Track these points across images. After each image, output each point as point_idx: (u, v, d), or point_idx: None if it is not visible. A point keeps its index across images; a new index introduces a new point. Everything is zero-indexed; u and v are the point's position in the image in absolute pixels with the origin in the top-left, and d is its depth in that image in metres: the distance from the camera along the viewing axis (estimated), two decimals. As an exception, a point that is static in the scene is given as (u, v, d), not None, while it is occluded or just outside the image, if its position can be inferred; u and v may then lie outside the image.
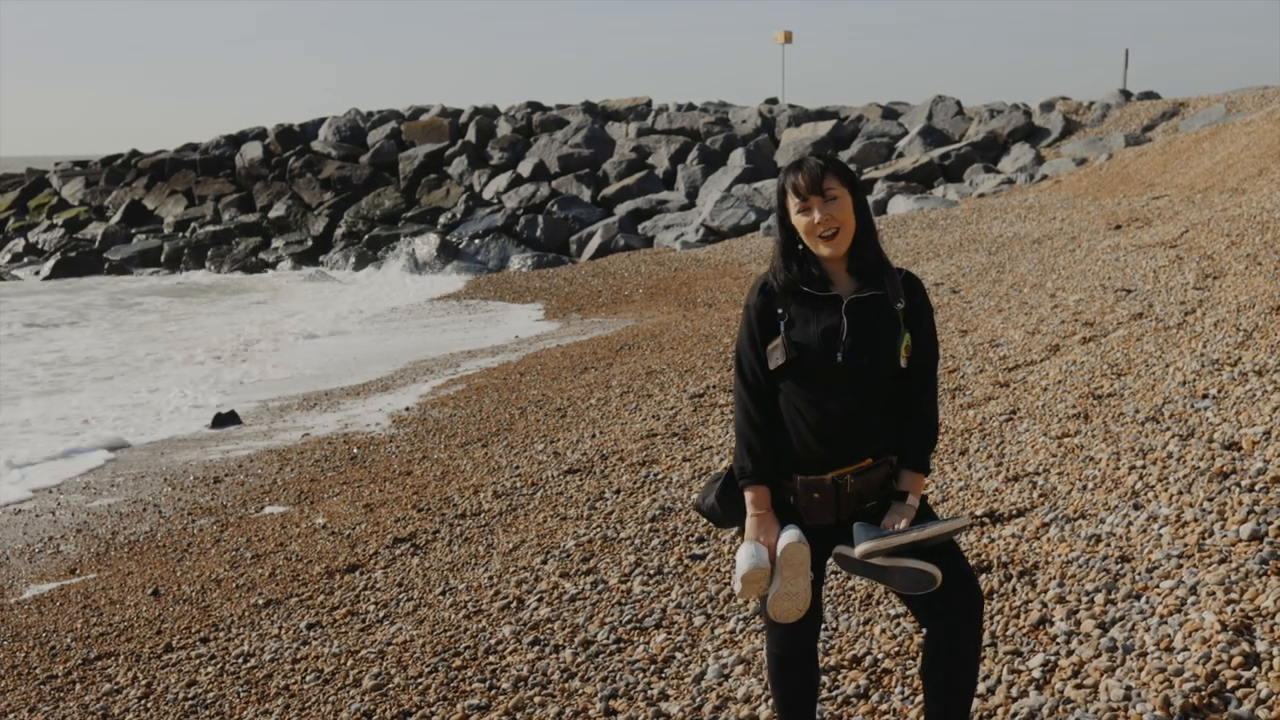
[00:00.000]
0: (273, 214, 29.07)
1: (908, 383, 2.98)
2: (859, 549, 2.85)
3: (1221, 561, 3.86)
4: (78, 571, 7.32)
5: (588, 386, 10.68)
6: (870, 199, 23.71)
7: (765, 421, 2.98)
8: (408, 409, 11.23)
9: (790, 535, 2.92)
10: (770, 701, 3.76)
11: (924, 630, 2.95)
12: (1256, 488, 4.38)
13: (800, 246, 3.00)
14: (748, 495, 2.99)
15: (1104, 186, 20.25)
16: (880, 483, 2.96)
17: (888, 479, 2.98)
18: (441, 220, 27.49)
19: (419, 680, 4.51)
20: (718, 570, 5.16)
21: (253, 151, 31.83)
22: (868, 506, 2.97)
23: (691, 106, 32.24)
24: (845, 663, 3.96)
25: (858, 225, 2.97)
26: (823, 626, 4.27)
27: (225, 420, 11.58)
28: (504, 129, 31.43)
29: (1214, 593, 3.63)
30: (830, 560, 3.02)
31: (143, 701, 4.86)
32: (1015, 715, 3.38)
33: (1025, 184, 23.17)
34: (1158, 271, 10.04)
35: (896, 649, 3.98)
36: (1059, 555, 4.34)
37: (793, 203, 2.98)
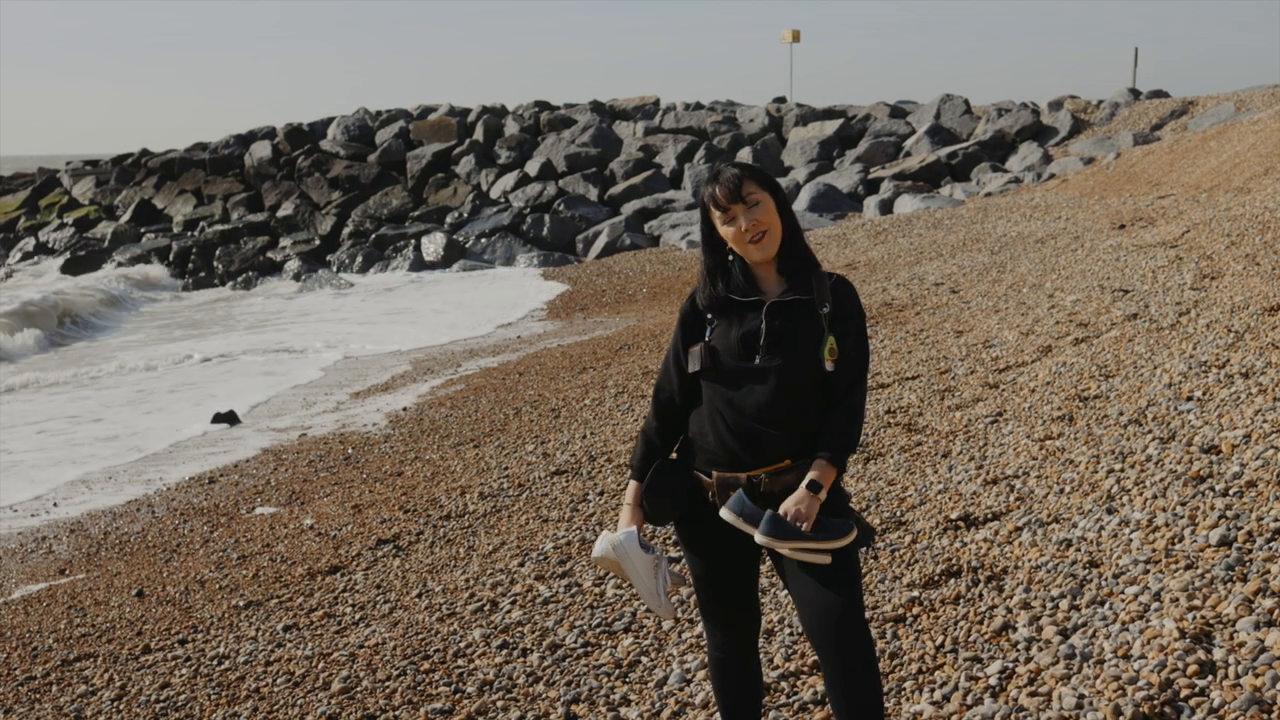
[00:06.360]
0: (281, 213, 29.10)
1: (834, 386, 2.95)
2: (759, 537, 2.88)
3: (1188, 567, 3.83)
4: (67, 572, 7.34)
5: (584, 387, 10.67)
6: (877, 198, 23.67)
7: (664, 425, 3.12)
8: (405, 409, 11.24)
9: (599, 545, 3.12)
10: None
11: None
12: (1230, 492, 4.34)
13: (730, 257, 3.01)
14: (628, 487, 3.15)
15: (1111, 186, 20.14)
16: (797, 485, 2.92)
17: None
18: (448, 219, 27.51)
19: (386, 684, 4.50)
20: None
21: (261, 151, 31.89)
22: None
23: (699, 106, 32.19)
24: (806, 668, 3.93)
25: (784, 227, 2.96)
26: (788, 631, 4.25)
27: (224, 419, 11.61)
28: (511, 128, 31.44)
29: (1177, 599, 3.60)
30: (766, 564, 3.01)
31: (115, 704, 4.87)
32: (970, 723, 3.35)
33: (1032, 183, 23.06)
34: (1156, 272, 9.98)
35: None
36: (1029, 560, 4.31)
37: (717, 216, 2.98)
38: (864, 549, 4.42)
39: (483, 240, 26.07)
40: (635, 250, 24.04)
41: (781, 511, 2.85)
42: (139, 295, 24.32)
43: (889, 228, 19.74)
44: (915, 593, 4.35)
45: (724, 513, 2.90)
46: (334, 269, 26.16)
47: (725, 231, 2.98)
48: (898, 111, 29.76)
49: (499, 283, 23.08)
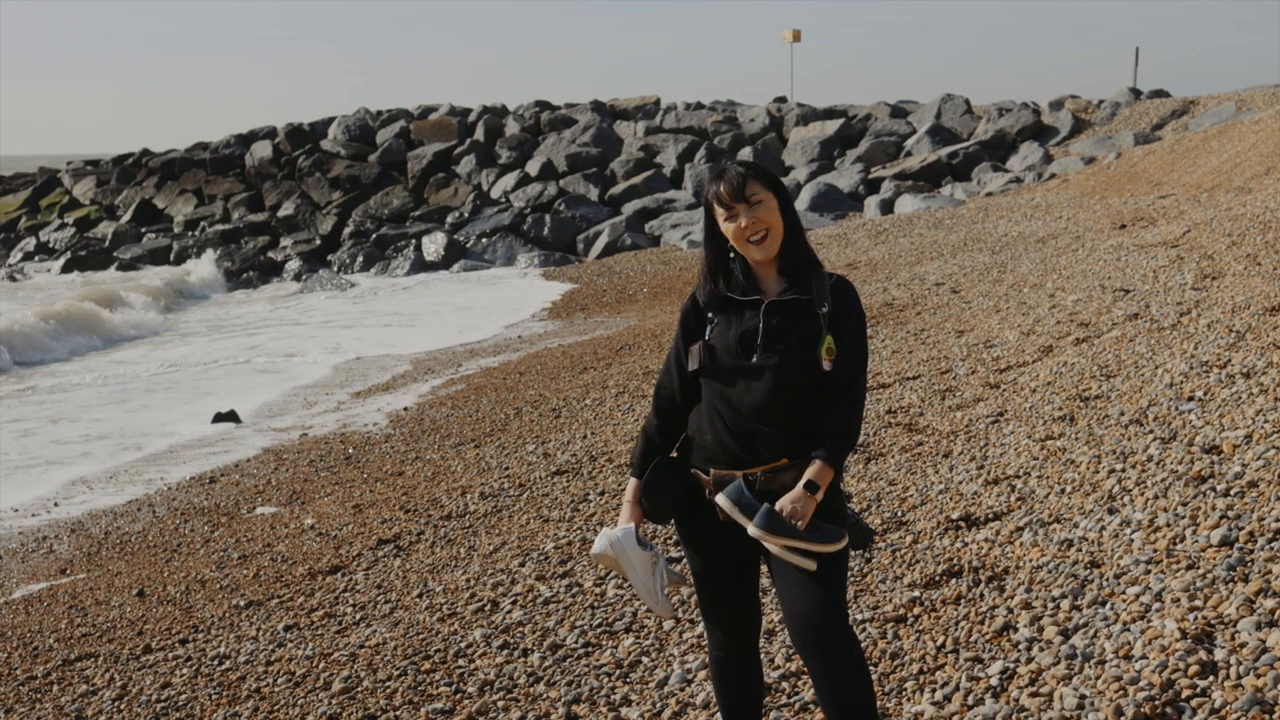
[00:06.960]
0: (282, 213, 29.11)
1: (831, 386, 2.95)
2: (752, 530, 2.88)
3: (1189, 567, 3.83)
4: (68, 571, 7.34)
5: (584, 387, 10.67)
6: (877, 198, 23.66)
7: (664, 423, 3.13)
8: (406, 409, 11.23)
9: (598, 542, 3.12)
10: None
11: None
12: (1232, 492, 4.34)
13: (732, 255, 3.01)
14: (629, 484, 3.16)
15: (1111, 185, 20.14)
16: (794, 484, 2.93)
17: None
18: (449, 219, 27.51)
19: (387, 684, 4.50)
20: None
21: (262, 151, 31.90)
22: None
23: (700, 105, 32.21)
24: (807, 669, 3.93)
25: (785, 226, 2.97)
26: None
27: (225, 418, 11.60)
28: (512, 128, 31.44)
29: (1178, 599, 3.60)
30: (765, 565, 3.00)
31: (116, 703, 4.87)
32: (972, 723, 3.35)
33: (1033, 183, 23.06)
34: (1157, 271, 9.97)
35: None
36: (1030, 560, 4.31)
37: (719, 213, 2.99)
38: (863, 550, 4.42)
39: (483, 240, 26.08)
40: (636, 250, 24.04)
41: (778, 508, 2.85)
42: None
43: (890, 227, 19.74)
44: (916, 593, 4.35)
45: (720, 498, 2.91)
46: (335, 269, 26.16)
47: (726, 229, 2.99)
48: (898, 111, 29.76)
49: (499, 283, 23.11)
